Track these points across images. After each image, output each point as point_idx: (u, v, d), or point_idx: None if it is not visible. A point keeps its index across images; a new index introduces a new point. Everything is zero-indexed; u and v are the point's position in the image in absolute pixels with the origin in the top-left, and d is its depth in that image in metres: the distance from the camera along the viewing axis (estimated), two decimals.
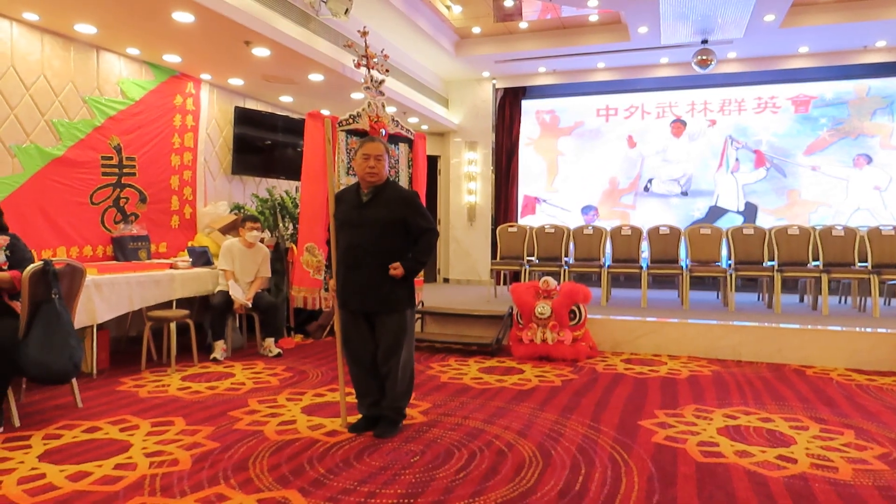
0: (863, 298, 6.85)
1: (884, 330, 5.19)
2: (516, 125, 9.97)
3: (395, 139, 6.19)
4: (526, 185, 10.07)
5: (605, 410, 3.78)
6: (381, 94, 6.05)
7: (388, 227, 3.22)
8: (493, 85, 9.82)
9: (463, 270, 9.99)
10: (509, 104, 9.96)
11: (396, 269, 3.16)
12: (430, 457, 2.94)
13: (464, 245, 9.98)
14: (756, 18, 7.16)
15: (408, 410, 3.72)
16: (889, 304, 7.21)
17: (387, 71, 6.17)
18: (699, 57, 7.86)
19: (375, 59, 6.05)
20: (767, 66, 8.70)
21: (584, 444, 3.15)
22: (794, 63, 8.58)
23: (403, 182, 6.28)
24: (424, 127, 9.60)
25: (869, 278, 6.24)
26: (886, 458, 2.99)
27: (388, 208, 3.23)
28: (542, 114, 10.04)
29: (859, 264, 6.49)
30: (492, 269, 7.85)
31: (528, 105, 10.07)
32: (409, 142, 6.36)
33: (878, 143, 8.61)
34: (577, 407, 3.85)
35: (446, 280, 10.11)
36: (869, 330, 5.22)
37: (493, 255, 8.62)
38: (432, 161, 9.95)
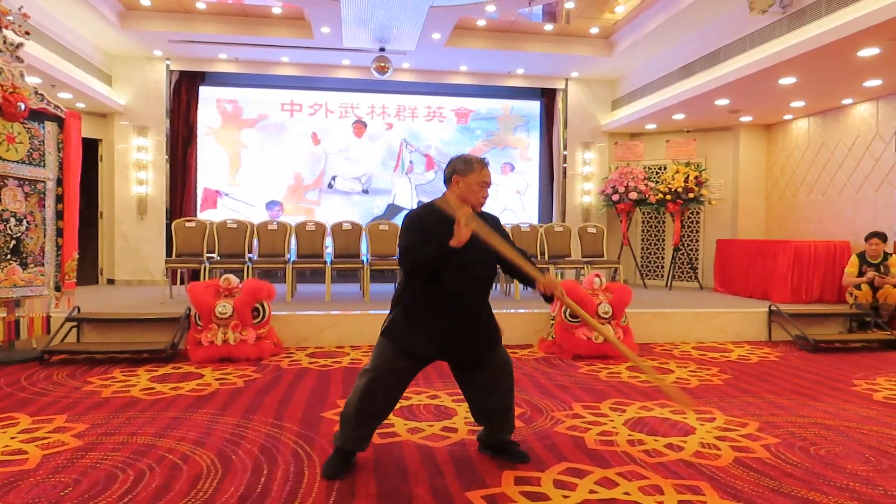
0: (508, 284, 8.14)
1: (524, 310, 6.22)
2: (194, 112, 9.30)
3: (39, 116, 5.22)
4: (206, 178, 9.47)
5: (289, 407, 3.77)
6: (20, 60, 5.04)
7: (495, 263, 2.82)
8: (167, 66, 8.99)
9: (132, 270, 8.95)
10: (186, 89, 9.23)
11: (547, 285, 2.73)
12: (87, 485, 2.55)
13: (133, 241, 8.95)
14: (426, 35, 7.91)
15: (58, 436, 3.19)
16: (527, 288, 8.67)
17: (27, 33, 5.17)
18: (377, 63, 8.37)
19: (11, 17, 5.01)
20: (435, 80, 9.70)
21: (267, 444, 3.09)
22: (457, 79, 9.74)
23: (52, 168, 5.34)
24: (80, 105, 8.33)
25: None
26: (523, 417, 3.59)
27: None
28: (223, 103, 9.55)
29: None
30: (166, 268, 7.20)
31: (207, 92, 9.48)
32: (60, 121, 5.43)
33: (519, 155, 10.30)
34: (259, 407, 3.76)
35: (111, 281, 8.94)
36: (513, 311, 6.21)
37: (169, 253, 7.90)
38: (92, 145, 8.69)
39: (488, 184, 2.79)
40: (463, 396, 3.00)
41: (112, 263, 8.96)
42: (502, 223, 3.10)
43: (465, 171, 2.73)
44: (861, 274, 6.57)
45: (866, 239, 6.56)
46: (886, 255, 6.53)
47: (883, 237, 6.52)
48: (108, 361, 5.06)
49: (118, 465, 2.79)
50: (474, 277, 2.71)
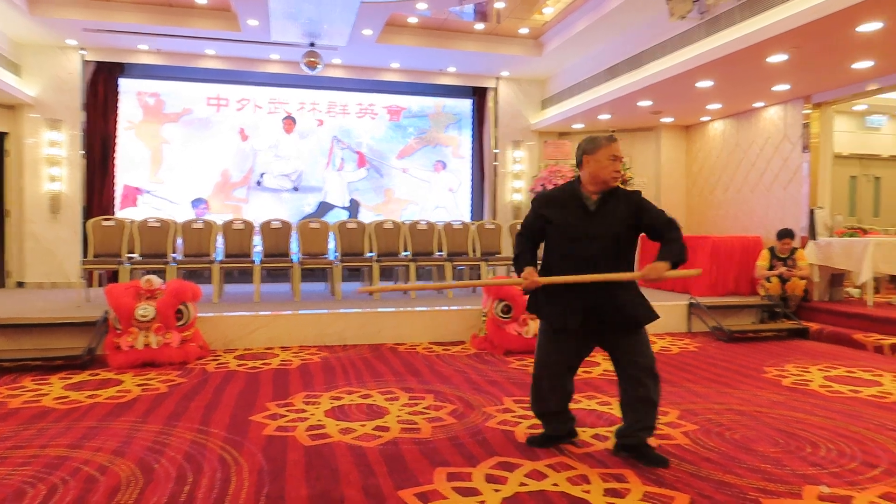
0: (441, 281, 8.18)
1: (456, 307, 6.27)
2: (113, 106, 8.85)
3: None
4: (126, 174, 9.04)
5: (216, 411, 3.65)
6: None
7: (625, 237, 2.90)
8: (82, 56, 8.52)
9: (45, 272, 8.44)
10: (104, 81, 8.76)
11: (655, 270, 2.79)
12: None
13: (45, 242, 8.44)
14: (357, 31, 7.82)
15: None
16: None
17: None
18: (307, 58, 8.22)
19: None
20: (367, 76, 9.61)
21: (192, 451, 2.98)
22: (388, 76, 9.68)
23: None
24: None
25: (444, 265, 7.49)
26: (455, 413, 3.62)
27: (621, 215, 2.88)
28: (144, 96, 9.14)
29: (437, 253, 7.72)
30: (83, 269, 6.82)
31: (127, 84, 9.04)
32: None
33: (451, 153, 10.35)
34: (184, 412, 3.63)
35: (21, 284, 8.40)
36: (445, 308, 6.24)
37: (85, 253, 7.50)
38: None
39: (619, 158, 2.89)
40: (437, 391, 2.94)
41: (22, 265, 8.42)
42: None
43: (594, 149, 2.87)
44: (772, 267, 6.98)
45: (779, 238, 6.96)
46: (794, 250, 6.95)
47: (792, 235, 6.95)
48: (18, 370, 4.75)
49: (27, 479, 2.63)
50: (592, 249, 2.86)
